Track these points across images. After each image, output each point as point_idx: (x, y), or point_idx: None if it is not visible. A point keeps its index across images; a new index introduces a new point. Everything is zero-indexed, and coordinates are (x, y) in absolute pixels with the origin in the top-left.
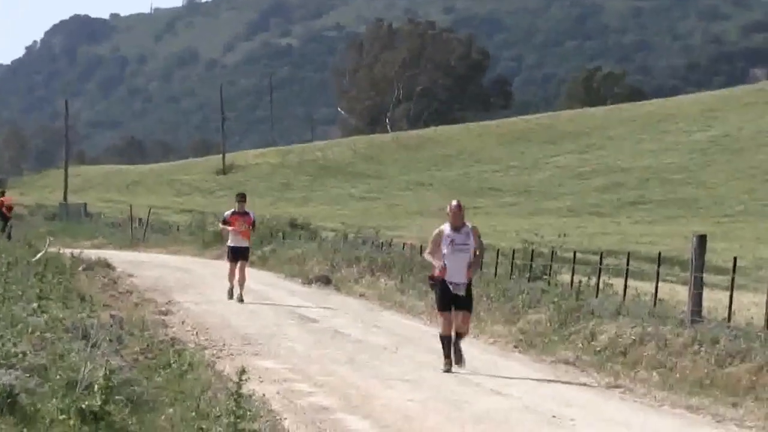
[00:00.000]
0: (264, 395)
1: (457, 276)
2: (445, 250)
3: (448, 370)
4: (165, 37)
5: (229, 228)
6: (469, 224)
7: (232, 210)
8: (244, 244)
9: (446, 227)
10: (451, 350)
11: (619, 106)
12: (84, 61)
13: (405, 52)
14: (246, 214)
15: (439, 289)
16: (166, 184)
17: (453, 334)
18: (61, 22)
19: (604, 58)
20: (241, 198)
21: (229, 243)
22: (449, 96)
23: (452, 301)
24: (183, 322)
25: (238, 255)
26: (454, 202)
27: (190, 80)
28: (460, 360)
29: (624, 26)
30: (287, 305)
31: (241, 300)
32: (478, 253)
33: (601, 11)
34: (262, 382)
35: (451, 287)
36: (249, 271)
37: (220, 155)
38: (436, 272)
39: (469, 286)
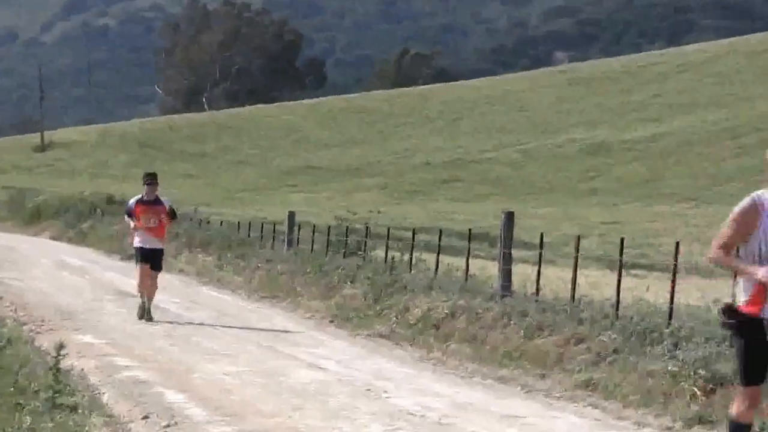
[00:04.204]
0: (83, 369)
1: None
2: (764, 246)
3: None
4: None
5: (133, 225)
6: None
7: (138, 197)
8: (156, 244)
9: (765, 195)
10: None
11: (429, 87)
12: None
13: (221, 33)
14: (157, 202)
15: (748, 338)
16: None
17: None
18: None
19: (415, 40)
20: (150, 179)
21: (136, 243)
22: (265, 76)
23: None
24: (1, 299)
25: (147, 259)
26: None
27: (9, 59)
28: None
29: (433, 10)
30: (107, 281)
31: (150, 318)
32: None
33: None
34: (81, 356)
35: None
36: (80, 252)
37: (39, 133)
38: (742, 299)
39: None
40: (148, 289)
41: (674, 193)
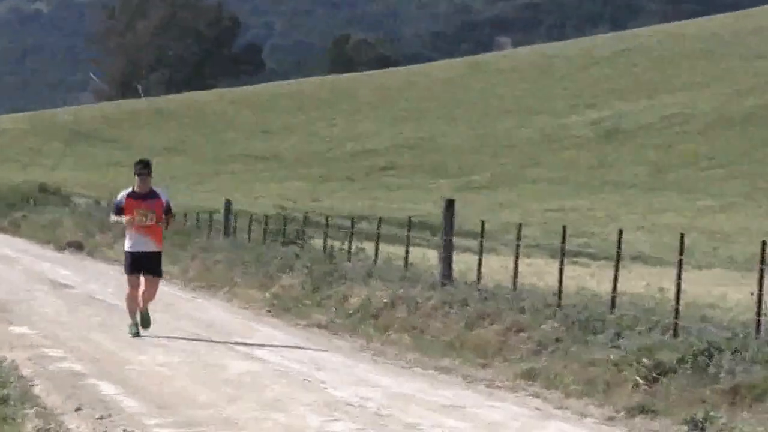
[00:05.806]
0: (15, 361)
1: None
2: None
3: None
4: None
5: (125, 220)
6: None
7: (129, 190)
8: (152, 246)
9: None
10: None
11: (368, 74)
12: None
13: (156, 18)
14: (153, 195)
15: None
16: None
17: None
18: None
19: (354, 25)
20: (143, 168)
21: (127, 246)
22: (201, 62)
23: None
24: None
25: (140, 266)
26: None
27: None
28: None
29: None
30: (40, 271)
31: (147, 325)
32: None
33: None
34: (13, 348)
35: None
36: (13, 242)
37: None
38: None
39: None
40: (143, 296)
41: (619, 181)
